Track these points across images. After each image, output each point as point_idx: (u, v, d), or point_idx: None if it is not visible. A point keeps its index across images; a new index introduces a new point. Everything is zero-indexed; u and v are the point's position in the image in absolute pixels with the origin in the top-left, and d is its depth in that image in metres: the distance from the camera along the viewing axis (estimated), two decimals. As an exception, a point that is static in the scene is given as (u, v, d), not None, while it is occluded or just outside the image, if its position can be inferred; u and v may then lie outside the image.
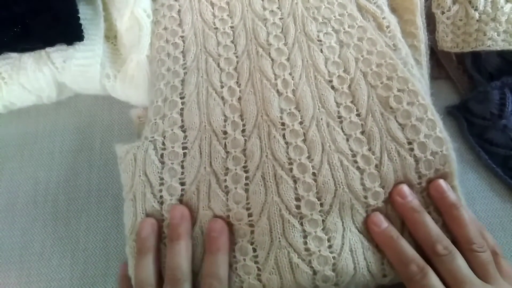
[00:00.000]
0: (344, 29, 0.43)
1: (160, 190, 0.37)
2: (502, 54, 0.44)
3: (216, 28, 0.44)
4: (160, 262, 0.35)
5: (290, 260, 0.33)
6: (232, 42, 0.43)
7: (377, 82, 0.40)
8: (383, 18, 0.44)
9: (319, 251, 0.34)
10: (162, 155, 0.38)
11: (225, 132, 0.38)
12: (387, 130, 0.37)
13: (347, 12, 0.44)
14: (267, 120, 0.38)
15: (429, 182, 0.36)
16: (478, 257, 0.33)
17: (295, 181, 0.36)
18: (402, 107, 0.38)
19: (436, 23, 0.45)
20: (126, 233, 0.36)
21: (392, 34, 0.43)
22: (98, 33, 0.43)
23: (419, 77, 0.40)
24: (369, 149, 0.37)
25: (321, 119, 0.38)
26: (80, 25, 0.42)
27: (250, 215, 0.35)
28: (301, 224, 0.34)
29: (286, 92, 0.39)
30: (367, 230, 0.35)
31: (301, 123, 0.38)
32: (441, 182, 0.36)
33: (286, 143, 0.37)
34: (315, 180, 0.36)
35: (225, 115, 0.39)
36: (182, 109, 0.40)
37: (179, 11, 0.45)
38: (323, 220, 0.35)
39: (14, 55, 0.41)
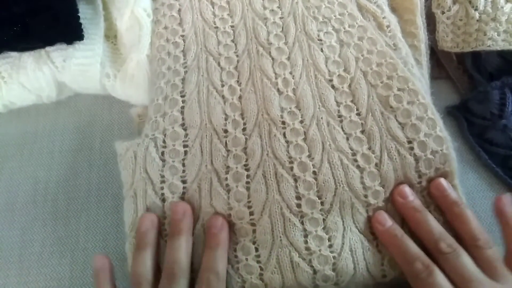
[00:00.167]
0: (344, 29, 0.43)
1: (162, 188, 0.37)
2: (502, 54, 0.44)
3: (217, 27, 0.44)
4: (159, 258, 0.35)
5: (291, 259, 0.33)
6: (232, 41, 0.43)
7: (377, 82, 0.40)
8: (383, 17, 0.44)
9: (320, 250, 0.34)
10: (162, 153, 0.38)
11: (225, 131, 0.38)
12: (387, 129, 0.37)
13: (347, 11, 0.44)
14: (268, 118, 0.38)
15: (430, 181, 0.36)
16: (484, 254, 0.32)
17: (295, 180, 0.36)
18: (402, 106, 0.38)
19: (436, 23, 0.45)
20: (126, 231, 0.36)
21: (392, 33, 0.43)
22: (98, 32, 0.43)
23: (419, 77, 0.40)
24: (369, 148, 0.37)
25: (321, 118, 0.38)
26: (80, 24, 0.42)
27: (251, 213, 0.35)
28: (302, 223, 0.34)
29: (287, 91, 0.40)
30: (370, 229, 0.35)
31: (301, 122, 0.38)
32: (442, 180, 0.36)
33: (287, 141, 0.37)
34: (316, 179, 0.36)
35: (225, 114, 0.39)
36: (182, 107, 0.40)
37: (179, 10, 0.45)
38: (323, 219, 0.35)
39: (14, 54, 0.42)
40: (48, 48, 0.42)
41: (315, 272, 0.33)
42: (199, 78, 0.41)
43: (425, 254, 0.33)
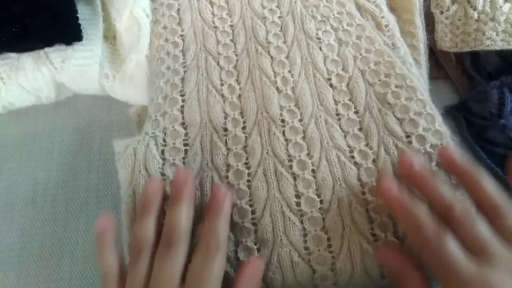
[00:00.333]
0: (342, 27, 0.43)
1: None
2: (501, 53, 0.44)
3: (216, 27, 0.44)
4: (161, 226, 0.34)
5: (291, 259, 0.33)
6: (231, 40, 0.43)
7: (375, 80, 0.40)
8: (382, 17, 0.44)
9: (318, 250, 0.34)
10: (162, 151, 0.38)
11: (225, 129, 0.38)
12: (384, 125, 0.37)
13: (345, 10, 0.44)
14: (267, 117, 0.38)
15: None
16: (500, 220, 0.29)
17: (295, 178, 0.36)
18: (400, 102, 0.38)
19: (435, 23, 0.45)
20: (124, 232, 0.36)
21: (391, 33, 0.43)
22: (97, 33, 0.43)
23: (418, 76, 0.40)
24: (367, 145, 0.37)
25: (320, 116, 0.38)
26: (79, 25, 0.42)
27: (253, 212, 0.35)
28: (301, 222, 0.34)
29: (286, 90, 0.40)
30: (370, 229, 0.34)
31: (300, 120, 0.38)
32: (449, 150, 0.33)
33: (286, 140, 0.37)
34: (315, 177, 0.36)
35: (225, 112, 0.39)
36: (182, 106, 0.40)
37: (178, 10, 0.45)
38: (323, 218, 0.35)
39: (13, 55, 0.41)
40: (47, 49, 0.42)
41: (314, 272, 0.33)
42: (199, 77, 0.41)
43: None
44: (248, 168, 0.37)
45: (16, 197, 0.42)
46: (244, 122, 0.39)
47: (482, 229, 0.28)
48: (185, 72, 0.41)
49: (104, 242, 0.32)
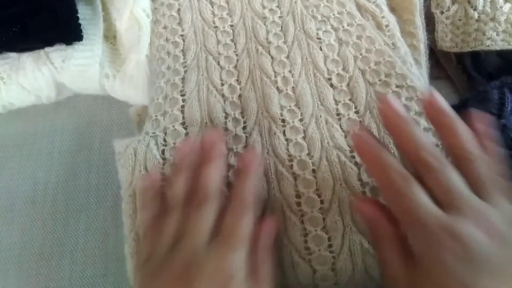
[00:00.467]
0: (343, 27, 0.43)
1: (162, 186, 0.36)
2: (501, 53, 0.44)
3: (216, 27, 0.44)
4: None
5: (292, 259, 0.33)
6: (232, 40, 0.43)
7: (375, 80, 0.40)
8: (382, 17, 0.44)
9: (319, 250, 0.34)
10: (163, 151, 0.38)
11: (226, 129, 0.38)
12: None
13: (346, 10, 0.44)
14: (268, 116, 0.38)
15: None
16: (473, 169, 0.28)
17: (295, 178, 0.36)
18: (401, 102, 0.38)
19: (435, 23, 0.45)
20: (125, 232, 0.36)
21: (391, 33, 0.43)
22: (97, 33, 0.43)
23: (418, 76, 0.40)
24: None
25: (320, 116, 0.38)
26: (79, 25, 0.42)
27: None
28: (302, 222, 0.34)
29: (286, 89, 0.40)
30: None
31: (301, 120, 0.38)
32: (433, 92, 0.31)
33: (286, 139, 0.37)
34: (315, 177, 0.36)
35: (225, 112, 0.39)
36: (183, 106, 0.40)
37: (178, 9, 0.45)
38: (323, 218, 0.34)
39: (13, 55, 0.41)
40: (47, 49, 0.41)
41: (314, 271, 0.33)
42: (199, 77, 0.41)
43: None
44: None
45: (16, 196, 0.42)
46: (244, 122, 0.39)
47: (453, 177, 0.27)
48: (185, 72, 0.41)
49: (147, 197, 0.34)
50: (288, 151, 0.37)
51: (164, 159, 0.37)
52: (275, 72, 0.41)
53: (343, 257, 0.33)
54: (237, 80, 0.41)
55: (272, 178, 0.36)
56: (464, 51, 0.44)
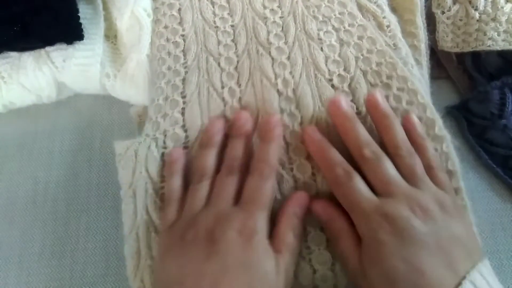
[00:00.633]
0: (344, 28, 0.43)
1: (162, 187, 0.36)
2: (502, 54, 0.44)
3: (217, 27, 0.44)
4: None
5: None
6: (232, 41, 0.43)
7: (376, 81, 0.40)
8: (383, 17, 0.44)
9: (319, 249, 0.34)
10: (163, 154, 0.38)
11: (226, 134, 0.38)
12: None
13: (347, 10, 0.44)
14: None
15: None
16: (404, 162, 0.33)
17: (295, 181, 0.36)
18: (402, 106, 0.38)
19: (436, 23, 0.45)
20: (125, 233, 0.36)
21: (393, 33, 0.43)
22: (98, 32, 0.43)
23: (419, 78, 0.40)
24: None
25: (321, 118, 0.38)
26: (80, 24, 0.42)
27: None
28: None
29: (287, 92, 0.39)
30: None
31: (301, 123, 0.38)
32: (376, 94, 0.36)
33: (286, 143, 0.37)
34: (315, 180, 0.36)
35: (225, 117, 0.39)
36: (183, 108, 0.39)
37: (179, 9, 0.45)
38: None
39: (14, 54, 0.41)
40: (48, 48, 0.41)
41: (314, 271, 0.33)
42: (200, 79, 0.41)
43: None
44: None
45: (17, 196, 0.42)
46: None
47: (387, 166, 0.32)
48: (186, 72, 0.41)
49: (174, 169, 0.36)
50: (288, 154, 0.37)
51: (163, 161, 0.37)
52: (275, 73, 0.40)
53: None
54: (237, 83, 0.41)
55: None
56: (465, 51, 0.44)
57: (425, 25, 0.44)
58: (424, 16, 0.45)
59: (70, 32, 0.42)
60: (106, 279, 0.38)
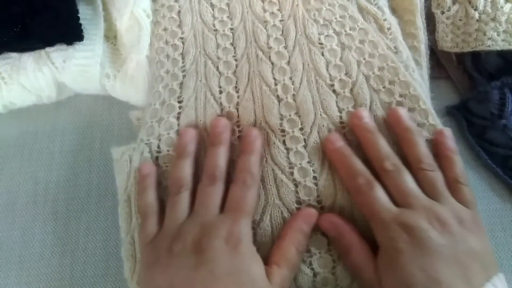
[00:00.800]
0: (345, 32, 0.42)
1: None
2: (502, 54, 0.44)
3: (216, 30, 0.43)
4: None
5: None
6: (231, 44, 0.42)
7: (379, 86, 0.39)
8: (384, 19, 0.43)
9: (320, 253, 0.34)
10: (157, 158, 0.38)
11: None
12: (388, 134, 0.37)
13: (348, 14, 0.43)
14: (267, 127, 0.38)
15: None
16: (426, 176, 0.34)
17: (296, 185, 0.36)
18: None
19: (436, 23, 0.45)
20: (121, 236, 0.36)
21: (393, 36, 0.42)
22: (98, 33, 0.43)
23: (420, 82, 0.40)
24: None
25: (323, 125, 0.38)
26: (80, 25, 0.42)
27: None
28: None
29: (287, 98, 0.39)
30: (371, 236, 0.34)
31: (301, 129, 0.38)
32: (398, 108, 0.37)
33: (287, 148, 0.37)
34: (316, 184, 0.36)
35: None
36: (179, 113, 0.39)
37: (179, 12, 0.45)
38: None
39: (14, 55, 0.41)
40: (48, 49, 0.42)
41: (315, 275, 0.33)
42: (197, 84, 0.40)
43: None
44: None
45: (17, 196, 0.42)
46: (240, 132, 0.38)
47: (407, 179, 0.33)
48: (183, 76, 0.41)
49: (146, 183, 0.36)
50: (288, 159, 0.37)
51: (157, 165, 0.37)
52: (275, 79, 0.40)
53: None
54: (236, 88, 0.40)
55: (269, 185, 0.36)
56: (465, 51, 0.44)
57: (425, 25, 0.44)
58: (423, 17, 0.45)
59: (70, 32, 0.42)
60: (106, 279, 0.39)
